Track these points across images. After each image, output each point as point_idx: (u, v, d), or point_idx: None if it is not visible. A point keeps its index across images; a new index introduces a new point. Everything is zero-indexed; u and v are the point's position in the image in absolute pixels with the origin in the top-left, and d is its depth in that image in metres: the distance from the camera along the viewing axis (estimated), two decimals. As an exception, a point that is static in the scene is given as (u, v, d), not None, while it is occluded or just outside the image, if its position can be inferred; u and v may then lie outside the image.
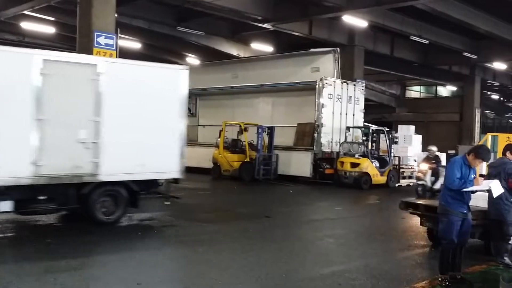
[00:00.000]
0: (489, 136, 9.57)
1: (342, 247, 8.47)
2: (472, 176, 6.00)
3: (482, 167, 8.70)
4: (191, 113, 24.91)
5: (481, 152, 6.00)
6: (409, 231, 9.67)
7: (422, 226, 8.22)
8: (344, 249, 8.32)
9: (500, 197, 6.63)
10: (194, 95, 24.69)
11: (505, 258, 7.00)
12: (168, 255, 7.38)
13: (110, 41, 12.89)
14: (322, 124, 17.71)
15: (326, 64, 18.75)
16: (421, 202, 8.17)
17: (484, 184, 6.18)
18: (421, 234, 8.50)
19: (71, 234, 8.33)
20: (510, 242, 6.95)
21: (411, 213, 8.39)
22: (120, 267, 6.55)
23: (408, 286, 5.94)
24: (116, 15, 13.70)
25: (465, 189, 5.85)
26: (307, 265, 7.14)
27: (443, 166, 13.71)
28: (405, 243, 8.66)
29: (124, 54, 23.16)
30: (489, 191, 6.38)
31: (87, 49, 12.83)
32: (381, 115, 33.07)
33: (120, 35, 13.69)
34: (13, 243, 7.76)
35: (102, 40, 12.72)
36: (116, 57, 12.96)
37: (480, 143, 9.78)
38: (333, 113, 18.11)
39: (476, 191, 6.17)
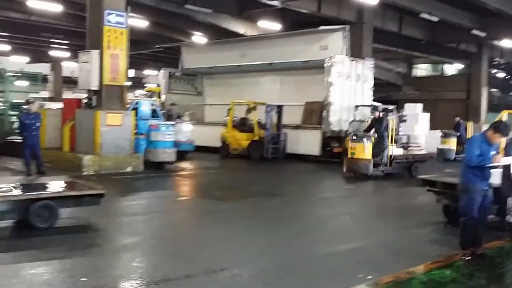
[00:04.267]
0: (505, 113, 9.57)
1: (358, 224, 8.54)
2: (492, 153, 5.99)
3: None
4: (198, 92, 24.89)
5: (499, 127, 5.97)
6: (422, 208, 9.71)
7: (438, 203, 8.25)
8: (361, 226, 8.38)
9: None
10: (201, 74, 24.62)
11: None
12: (191, 231, 7.45)
13: (121, 19, 12.82)
14: (330, 102, 17.65)
15: (335, 42, 18.57)
16: (439, 179, 8.19)
17: (505, 160, 6.20)
18: (434, 211, 8.53)
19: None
20: None
21: (428, 190, 8.41)
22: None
23: (430, 261, 5.99)
24: (126, -8, 13.60)
25: (488, 165, 5.84)
26: (324, 242, 7.15)
27: None
28: (420, 220, 8.70)
29: (131, 32, 23.08)
30: (508, 166, 6.37)
31: (98, 28, 12.78)
32: (387, 93, 32.90)
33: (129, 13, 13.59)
34: None
35: (113, 18, 12.66)
36: (128, 35, 12.90)
37: (497, 120, 9.80)
38: (342, 91, 18.03)
39: (496, 166, 6.16)
